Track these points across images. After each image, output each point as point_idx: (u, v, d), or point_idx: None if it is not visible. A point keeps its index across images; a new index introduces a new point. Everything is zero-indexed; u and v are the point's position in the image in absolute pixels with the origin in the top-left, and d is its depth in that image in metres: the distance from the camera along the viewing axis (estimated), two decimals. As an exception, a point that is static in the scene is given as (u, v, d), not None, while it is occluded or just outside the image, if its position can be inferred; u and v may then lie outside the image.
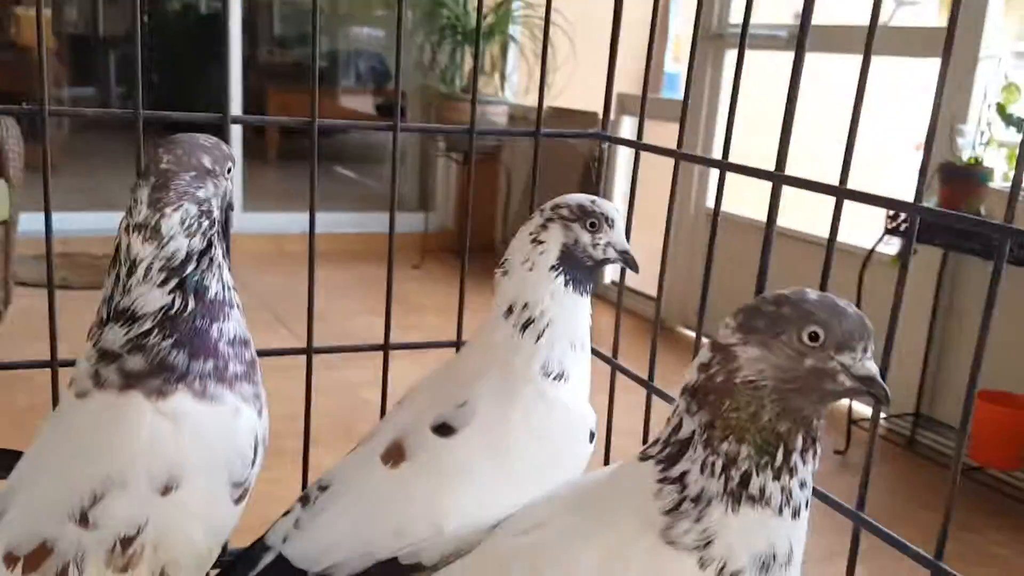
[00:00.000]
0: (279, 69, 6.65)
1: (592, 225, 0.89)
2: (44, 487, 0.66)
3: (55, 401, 1.00)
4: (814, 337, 0.60)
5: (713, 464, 0.62)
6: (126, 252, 0.67)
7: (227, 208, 0.73)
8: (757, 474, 0.62)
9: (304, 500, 0.87)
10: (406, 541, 0.81)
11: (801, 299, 0.62)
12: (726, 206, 1.16)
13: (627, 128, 3.99)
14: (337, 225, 4.41)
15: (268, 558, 0.82)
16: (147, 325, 0.66)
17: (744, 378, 0.62)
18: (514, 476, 0.84)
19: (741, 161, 1.10)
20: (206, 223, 0.68)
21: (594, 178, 1.35)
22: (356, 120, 3.87)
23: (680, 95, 1.23)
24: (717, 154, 1.20)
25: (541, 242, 0.90)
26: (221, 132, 1.07)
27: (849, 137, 0.94)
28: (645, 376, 1.20)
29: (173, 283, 0.66)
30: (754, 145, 1.51)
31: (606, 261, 0.91)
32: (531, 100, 4.62)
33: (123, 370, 0.66)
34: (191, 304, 0.67)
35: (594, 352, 1.00)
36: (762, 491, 0.62)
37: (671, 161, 1.22)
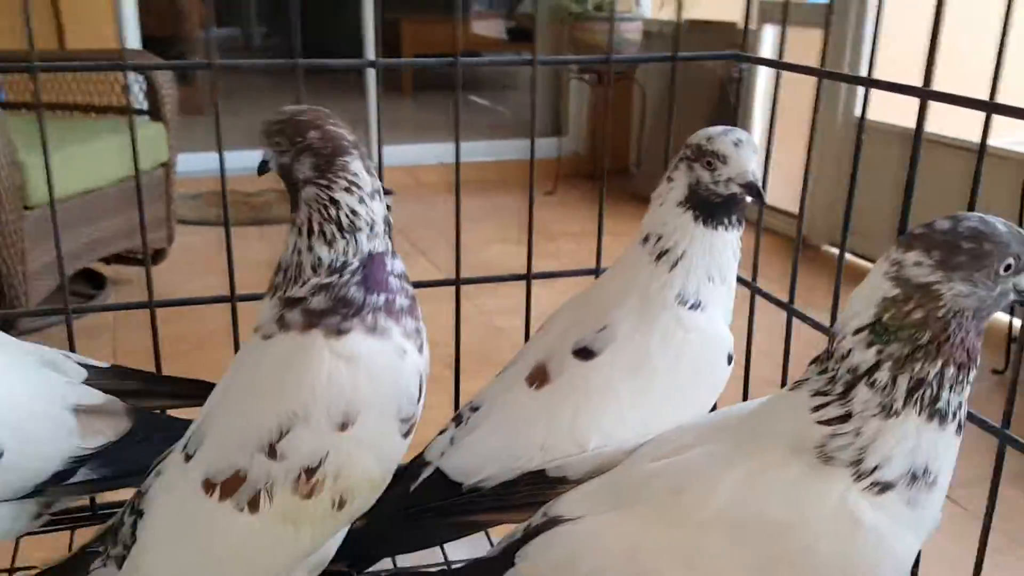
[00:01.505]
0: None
1: (708, 163, 0.91)
2: (236, 422, 0.73)
3: (236, 336, 1.06)
4: (1008, 268, 0.65)
5: (889, 385, 0.65)
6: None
7: None
8: (935, 391, 0.65)
9: (457, 420, 0.93)
10: (551, 456, 0.86)
11: (995, 232, 0.65)
12: (872, 115, 1.11)
13: (769, 38, 3.81)
14: (470, 154, 4.43)
15: (426, 472, 0.89)
16: (328, 272, 0.72)
17: (946, 312, 0.64)
18: (653, 397, 0.88)
19: (892, 71, 1.04)
20: (359, 180, 0.75)
21: (732, 99, 1.30)
22: (491, 49, 3.85)
23: None
24: (865, 64, 1.13)
25: (671, 180, 0.94)
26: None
27: (1000, 48, 0.88)
28: (785, 299, 1.17)
29: (342, 231, 0.73)
30: (904, 54, 1.41)
31: (732, 195, 0.91)
32: (666, 14, 4.47)
33: (306, 310, 0.72)
34: (363, 252, 0.73)
35: (739, 280, 1.00)
36: (933, 405, 0.65)
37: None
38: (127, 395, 0.85)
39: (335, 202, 0.73)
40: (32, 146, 2.77)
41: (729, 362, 0.93)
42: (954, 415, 0.66)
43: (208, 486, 0.72)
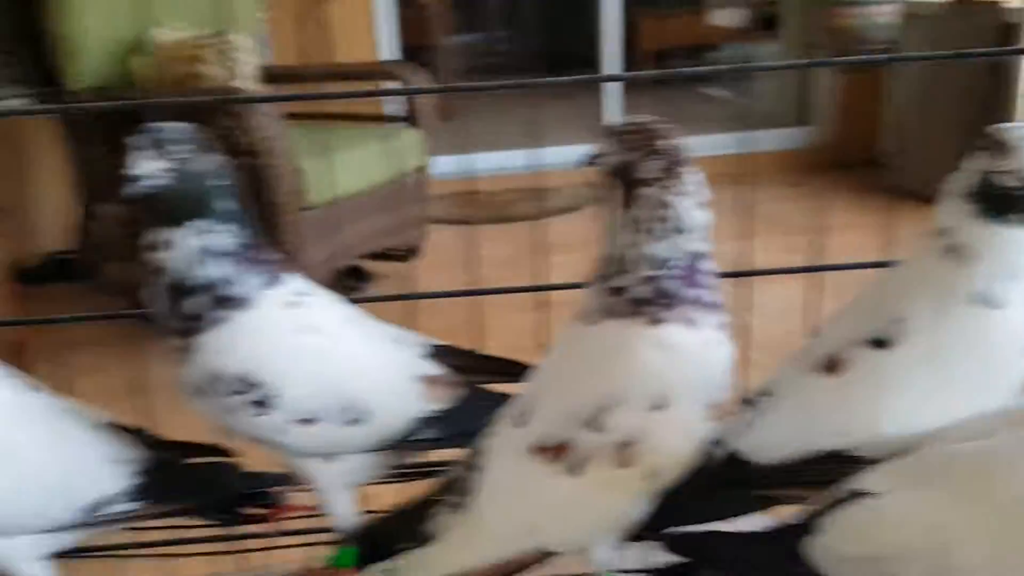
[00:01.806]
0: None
1: (999, 156, 0.87)
2: (563, 397, 0.82)
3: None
4: None
5: None
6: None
7: None
8: None
9: (749, 404, 0.97)
10: (845, 443, 0.88)
11: None
12: None
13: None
14: (712, 147, 4.38)
15: (720, 452, 0.93)
16: (652, 267, 0.79)
17: None
18: (949, 389, 0.87)
19: None
20: (681, 188, 0.81)
21: (994, 93, 1.21)
22: (732, 40, 3.77)
23: None
24: None
25: (963, 173, 0.91)
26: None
27: None
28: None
29: (668, 234, 0.80)
30: None
31: (1019, 189, 0.86)
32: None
33: (629, 300, 0.79)
34: (682, 251, 0.80)
35: None
36: None
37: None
38: (457, 370, 0.97)
39: (672, 205, 0.79)
40: (308, 153, 3.07)
41: None
42: None
43: (538, 450, 0.81)
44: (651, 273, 0.79)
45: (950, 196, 0.91)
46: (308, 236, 2.99)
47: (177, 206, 0.81)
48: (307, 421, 0.86)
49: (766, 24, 5.77)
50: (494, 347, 1.08)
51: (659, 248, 0.79)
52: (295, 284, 0.89)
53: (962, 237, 0.89)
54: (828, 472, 0.84)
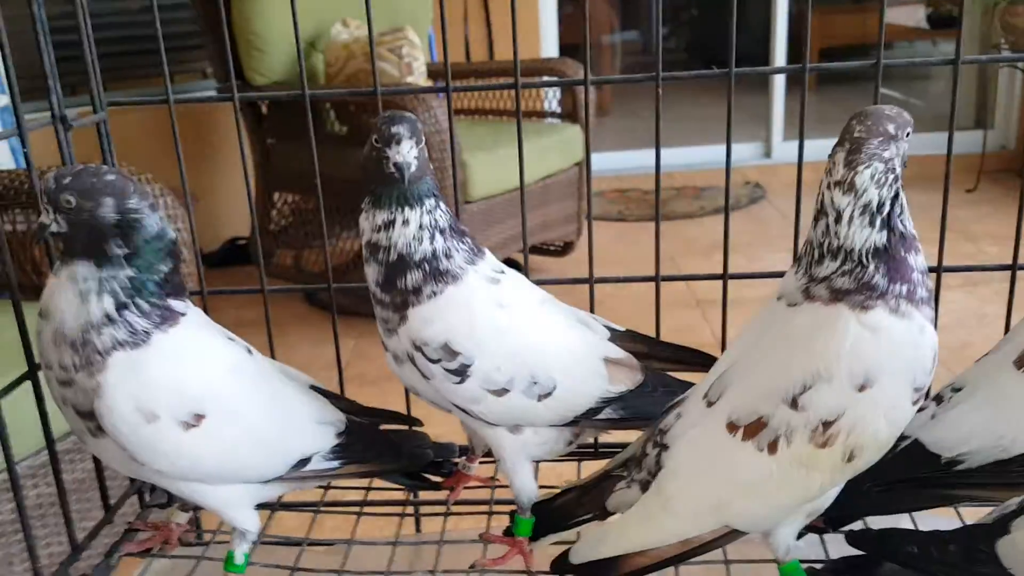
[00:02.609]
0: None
1: None
2: (762, 375, 0.83)
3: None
4: None
5: None
6: (830, 204, 0.80)
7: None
8: None
9: (937, 399, 0.95)
10: None
11: None
12: None
13: None
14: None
15: (905, 443, 0.91)
16: (856, 259, 0.79)
17: None
18: None
19: None
20: (891, 177, 0.79)
21: None
22: (907, 38, 3.62)
23: None
24: None
25: None
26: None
27: None
28: None
29: (877, 223, 0.78)
30: None
31: None
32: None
33: (832, 288, 0.79)
34: (894, 240, 0.79)
35: None
36: None
37: None
38: (637, 355, 0.99)
39: (872, 196, 0.79)
40: (472, 147, 3.16)
41: None
42: None
43: (733, 427, 0.82)
44: (848, 266, 0.79)
45: None
46: (472, 228, 3.09)
47: (416, 186, 0.88)
48: (498, 392, 0.91)
49: (943, 23, 5.50)
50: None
51: (871, 237, 0.79)
52: (492, 261, 0.94)
53: None
54: (1020, 475, 0.83)
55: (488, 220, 3.21)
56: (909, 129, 0.80)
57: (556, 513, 0.96)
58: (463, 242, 0.91)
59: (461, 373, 0.89)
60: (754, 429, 0.81)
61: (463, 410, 0.93)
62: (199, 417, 0.84)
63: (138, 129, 2.91)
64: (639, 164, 4.77)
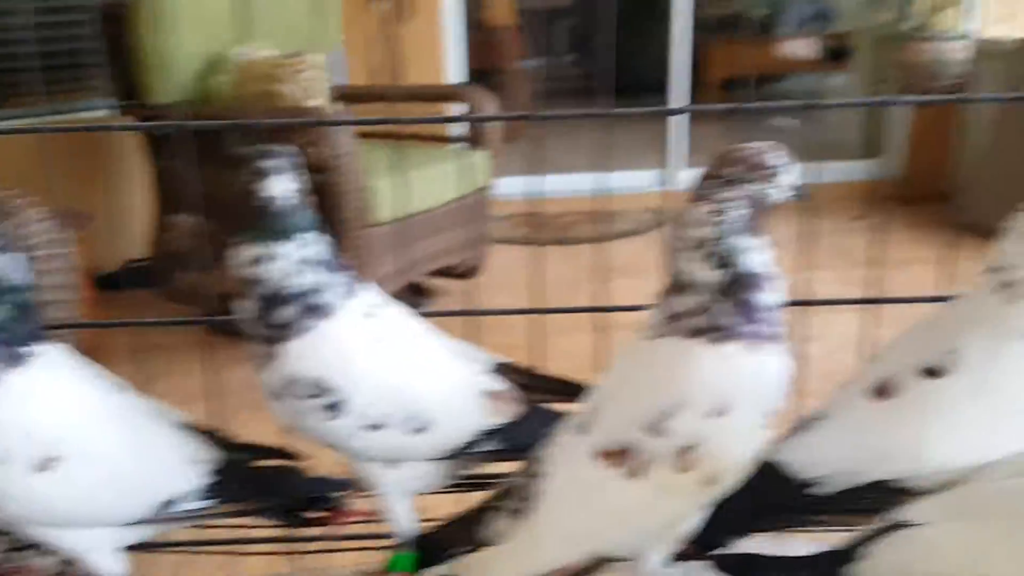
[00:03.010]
0: (720, 21, 6.67)
1: None
2: (626, 404, 0.85)
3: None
4: None
5: None
6: (676, 238, 0.84)
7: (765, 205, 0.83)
8: None
9: (798, 425, 0.99)
10: (888, 467, 0.90)
11: None
12: None
13: None
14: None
15: (767, 468, 0.94)
16: (702, 296, 0.81)
17: None
18: (998, 422, 0.88)
19: None
20: (729, 216, 0.81)
21: None
22: (804, 70, 3.76)
23: None
24: None
25: None
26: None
27: None
28: None
29: (709, 261, 0.81)
30: None
31: None
32: (1000, 31, 4.12)
33: (688, 325, 0.83)
34: (733, 280, 0.81)
35: None
36: None
37: None
38: (518, 387, 1.01)
39: (724, 233, 0.82)
40: (377, 171, 3.15)
41: None
42: None
43: (600, 456, 0.84)
44: (708, 300, 0.82)
45: (1012, 234, 0.92)
46: (375, 252, 3.07)
47: (292, 221, 0.87)
48: (374, 427, 0.90)
49: (837, 56, 5.74)
50: (554, 368, 1.11)
51: (711, 275, 0.82)
52: (370, 295, 0.94)
53: (1008, 264, 0.90)
54: (874, 501, 0.86)
55: (394, 243, 3.20)
56: (765, 172, 0.83)
57: (436, 546, 0.97)
58: (341, 276, 0.91)
59: (334, 410, 0.89)
60: (620, 457, 0.83)
61: (338, 447, 0.92)
62: (51, 460, 0.81)
63: (26, 148, 2.81)
64: (550, 189, 4.81)
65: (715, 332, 0.81)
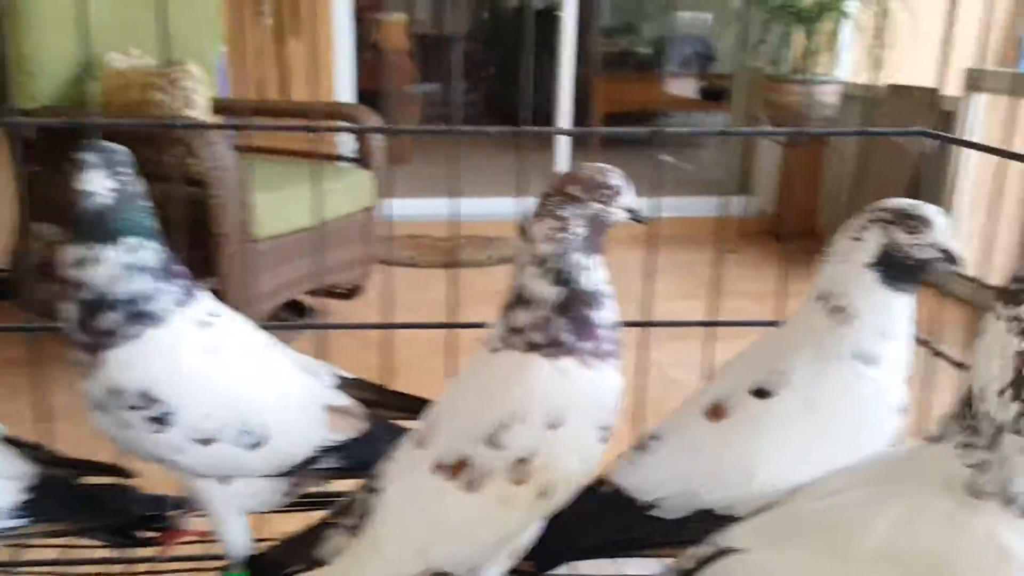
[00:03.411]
0: (606, 58, 6.85)
1: (912, 228, 0.93)
2: (464, 417, 0.86)
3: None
4: None
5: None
6: (517, 252, 0.87)
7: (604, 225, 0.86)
8: None
9: (638, 446, 1.01)
10: (721, 486, 0.93)
11: None
12: None
13: (979, 108, 3.64)
14: (657, 209, 4.46)
15: (608, 489, 0.97)
16: (540, 311, 0.83)
17: None
18: (823, 440, 0.91)
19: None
20: (567, 235, 0.83)
21: (918, 175, 1.30)
22: (684, 108, 3.88)
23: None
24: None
25: (860, 240, 0.95)
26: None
27: None
28: (965, 360, 1.16)
29: (547, 277, 0.83)
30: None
31: (926, 260, 0.93)
32: (865, 77, 4.36)
33: (526, 341, 0.84)
34: (571, 297, 0.83)
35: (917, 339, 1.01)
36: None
37: None
38: (364, 403, 0.99)
39: (562, 252, 0.84)
40: (259, 186, 3.08)
41: (900, 414, 0.94)
42: None
43: (438, 468, 0.84)
44: (546, 315, 0.83)
45: (837, 260, 0.96)
46: (253, 268, 3.00)
47: (115, 223, 0.84)
48: (205, 441, 0.87)
49: (715, 96, 5.98)
50: (407, 386, 1.10)
51: (550, 291, 0.83)
52: (208, 304, 0.91)
53: (847, 298, 0.94)
54: (706, 529, 0.87)
55: (275, 260, 3.14)
56: (605, 192, 0.85)
57: (270, 566, 0.94)
58: (174, 283, 0.88)
59: (162, 422, 0.86)
60: (457, 469, 0.83)
61: (166, 461, 0.89)
62: None
63: None
64: (433, 212, 4.82)
65: (552, 347, 0.83)
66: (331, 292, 3.78)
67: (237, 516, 0.94)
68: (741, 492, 0.91)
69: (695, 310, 1.38)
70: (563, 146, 5.10)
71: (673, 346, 1.47)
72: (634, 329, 1.29)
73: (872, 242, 0.94)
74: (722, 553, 0.80)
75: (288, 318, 3.54)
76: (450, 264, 4.40)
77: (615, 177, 0.86)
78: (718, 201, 4.86)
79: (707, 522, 0.90)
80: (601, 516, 0.96)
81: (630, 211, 0.87)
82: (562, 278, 0.83)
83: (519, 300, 0.85)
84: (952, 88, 3.63)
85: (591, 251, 0.85)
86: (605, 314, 0.85)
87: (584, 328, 0.83)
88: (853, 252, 0.95)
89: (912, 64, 3.59)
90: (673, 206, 4.62)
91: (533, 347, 0.83)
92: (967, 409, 0.71)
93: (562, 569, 1.01)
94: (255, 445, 0.90)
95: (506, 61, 6.84)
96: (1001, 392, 0.68)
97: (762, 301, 1.20)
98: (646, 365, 1.26)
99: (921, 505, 0.71)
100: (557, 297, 0.83)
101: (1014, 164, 1.16)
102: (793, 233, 4.52)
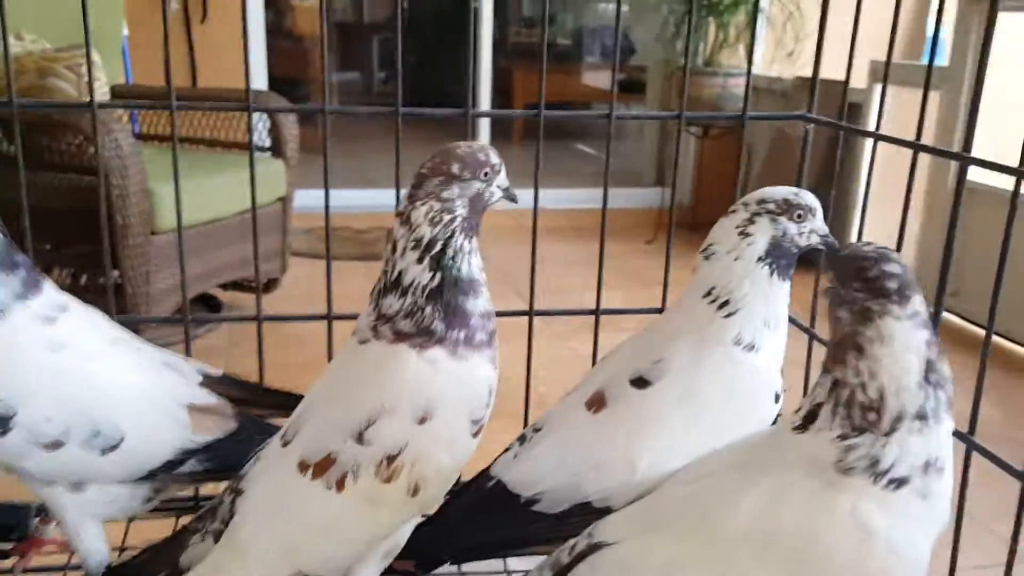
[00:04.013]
0: (525, 49, 6.85)
1: (799, 216, 0.94)
2: (331, 411, 0.81)
3: (330, 354, 1.14)
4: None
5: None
6: (390, 234, 0.81)
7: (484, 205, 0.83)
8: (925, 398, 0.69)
9: (521, 439, 0.99)
10: (603, 477, 0.91)
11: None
12: (987, 179, 1.09)
13: (880, 99, 3.73)
14: (572, 201, 4.49)
15: (490, 483, 0.95)
16: (412, 298, 0.79)
17: None
18: (702, 427, 0.91)
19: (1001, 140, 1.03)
20: (447, 217, 0.80)
21: (799, 160, 1.31)
22: (602, 99, 3.89)
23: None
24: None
25: (748, 235, 0.94)
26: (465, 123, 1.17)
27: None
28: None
29: (426, 262, 0.79)
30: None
31: (809, 247, 0.95)
32: (776, 70, 4.44)
33: (395, 329, 0.80)
34: (447, 283, 0.80)
35: (792, 321, 1.02)
36: (923, 408, 0.69)
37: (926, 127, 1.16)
38: (235, 401, 0.94)
39: (434, 237, 0.81)
40: (161, 176, 2.97)
41: (776, 401, 0.95)
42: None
43: (303, 466, 0.80)
44: (417, 302, 0.80)
45: (724, 256, 0.95)
46: (157, 261, 2.89)
47: None
48: (51, 445, 0.82)
49: (633, 87, 6.03)
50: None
51: (423, 276, 0.80)
52: (54, 297, 0.85)
53: (736, 292, 0.94)
54: (587, 523, 0.85)
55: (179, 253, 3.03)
56: (487, 171, 0.82)
57: (130, 576, 0.89)
58: (12, 275, 0.82)
59: (2, 425, 0.80)
60: (323, 467, 0.79)
61: (11, 467, 0.83)
62: None
63: None
64: (351, 203, 4.74)
65: (420, 336, 0.79)
66: (244, 285, 3.69)
67: (91, 524, 0.88)
68: (622, 483, 0.90)
69: (611, 300, 1.38)
70: (483, 136, 5.07)
71: (588, 333, 1.47)
72: (565, 318, 1.29)
73: (761, 235, 0.94)
74: (595, 548, 0.79)
75: (199, 313, 3.44)
76: (367, 257, 4.33)
77: (494, 154, 0.84)
78: (636, 193, 4.91)
79: (587, 515, 0.88)
80: (483, 513, 0.93)
81: (505, 190, 0.85)
82: (443, 263, 0.80)
83: (393, 285, 0.81)
84: (858, 80, 3.72)
85: (471, 233, 0.82)
86: (479, 303, 0.82)
87: (456, 317, 0.80)
88: (743, 247, 0.94)
89: (826, 58, 3.65)
90: (591, 197, 4.64)
91: (402, 337, 0.80)
92: (849, 405, 0.71)
93: (447, 568, 0.98)
94: (108, 448, 0.84)
95: (424, 50, 6.77)
96: (919, 383, 0.69)
97: (677, 290, 1.20)
98: (530, 355, 1.24)
99: (786, 485, 0.71)
100: (430, 282, 0.80)
101: (909, 153, 1.17)
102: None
